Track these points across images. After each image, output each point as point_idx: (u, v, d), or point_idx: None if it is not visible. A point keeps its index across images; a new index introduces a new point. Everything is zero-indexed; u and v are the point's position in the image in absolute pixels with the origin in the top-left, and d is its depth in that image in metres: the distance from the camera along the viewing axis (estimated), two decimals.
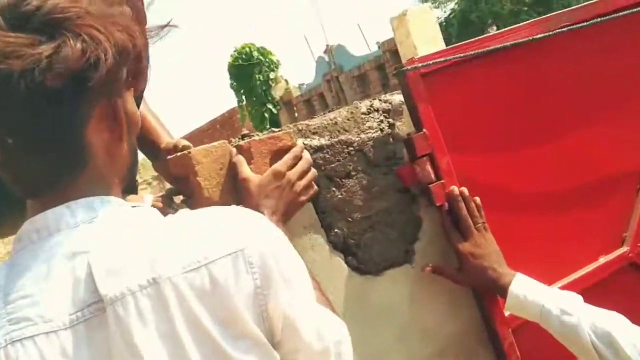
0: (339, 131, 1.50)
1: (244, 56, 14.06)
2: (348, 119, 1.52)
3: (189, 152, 1.33)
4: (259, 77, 13.96)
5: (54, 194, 0.86)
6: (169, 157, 1.42)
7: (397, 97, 1.59)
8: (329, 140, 1.48)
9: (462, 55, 1.55)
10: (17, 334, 0.76)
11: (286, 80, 14.06)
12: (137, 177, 1.58)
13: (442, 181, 1.51)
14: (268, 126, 13.67)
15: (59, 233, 0.84)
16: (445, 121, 1.54)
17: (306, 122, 1.49)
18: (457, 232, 1.51)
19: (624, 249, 1.72)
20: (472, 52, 1.56)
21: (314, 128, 1.48)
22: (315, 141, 1.47)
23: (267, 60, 14.13)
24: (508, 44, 1.59)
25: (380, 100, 1.60)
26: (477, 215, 1.51)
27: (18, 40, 0.75)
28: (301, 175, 1.35)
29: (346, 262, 1.47)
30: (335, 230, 1.46)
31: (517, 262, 1.51)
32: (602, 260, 1.70)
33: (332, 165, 1.47)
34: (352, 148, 1.50)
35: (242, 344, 0.83)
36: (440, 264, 1.53)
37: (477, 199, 1.52)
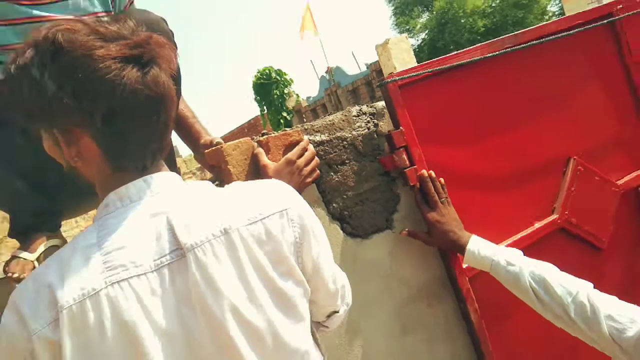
0: (335, 130, 1.50)
1: (264, 76, 14.05)
2: (342, 120, 1.52)
3: (221, 147, 1.33)
4: (276, 92, 13.95)
5: (143, 171, 0.87)
6: (206, 150, 1.42)
7: (381, 104, 1.58)
8: (328, 136, 1.48)
9: (430, 70, 1.54)
10: (115, 277, 0.75)
11: (297, 94, 14.04)
12: (184, 168, 1.58)
13: (414, 167, 1.50)
14: (284, 129, 13.66)
15: (140, 201, 0.83)
16: (418, 121, 1.53)
17: (310, 123, 1.49)
18: (426, 205, 1.50)
19: (554, 216, 1.71)
20: (438, 68, 1.55)
21: (317, 127, 1.48)
22: (318, 137, 1.46)
23: (282, 79, 14.11)
24: (465, 61, 1.58)
25: (367, 105, 1.59)
26: (442, 192, 1.51)
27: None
28: (307, 163, 1.35)
29: (342, 229, 1.46)
30: (333, 204, 1.46)
31: (472, 227, 1.50)
32: (537, 225, 1.69)
33: (331, 156, 1.47)
34: (346, 142, 1.49)
35: (290, 280, 0.85)
36: (413, 230, 1.53)
37: (442, 179, 1.52)
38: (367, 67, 9.77)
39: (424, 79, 1.56)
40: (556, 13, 25.11)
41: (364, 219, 1.49)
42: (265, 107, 14.16)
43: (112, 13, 1.47)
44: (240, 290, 0.79)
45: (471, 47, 1.63)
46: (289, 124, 13.75)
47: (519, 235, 1.65)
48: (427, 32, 23.85)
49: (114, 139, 0.82)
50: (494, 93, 1.68)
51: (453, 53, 1.61)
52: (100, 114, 0.78)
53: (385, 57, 8.98)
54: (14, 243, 1.47)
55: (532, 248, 1.62)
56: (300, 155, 1.34)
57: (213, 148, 1.38)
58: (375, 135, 1.54)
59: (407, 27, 24.41)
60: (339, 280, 1.03)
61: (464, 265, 1.54)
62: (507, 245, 1.58)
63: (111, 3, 1.45)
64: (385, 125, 1.56)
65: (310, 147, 1.37)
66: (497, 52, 1.63)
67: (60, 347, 0.72)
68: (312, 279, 0.92)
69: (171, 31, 1.42)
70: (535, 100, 1.74)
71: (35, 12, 1.32)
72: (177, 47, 1.44)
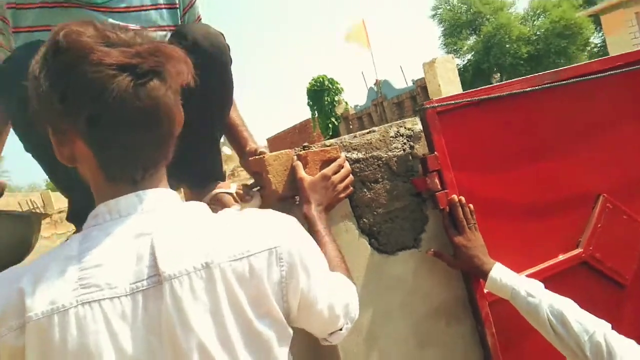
0: (372, 149, 1.44)
1: (318, 83, 14.08)
2: (380, 140, 1.46)
3: (264, 157, 1.30)
4: (327, 99, 13.94)
5: (135, 184, 0.78)
6: (250, 158, 1.39)
7: (417, 127, 1.51)
8: (364, 154, 1.42)
9: (469, 99, 1.46)
10: (87, 297, 0.69)
11: (346, 102, 14.00)
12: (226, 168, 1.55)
13: (446, 191, 1.43)
14: (331, 133, 13.72)
15: (129, 216, 0.76)
16: (452, 147, 1.46)
17: (349, 140, 1.44)
18: (454, 228, 1.43)
19: (579, 250, 1.61)
20: (477, 98, 1.47)
21: (354, 145, 1.43)
22: (354, 155, 1.41)
23: (334, 87, 14.10)
24: (504, 93, 1.50)
25: (405, 127, 1.52)
26: (470, 217, 1.43)
27: None
28: (342, 179, 1.30)
29: (370, 244, 1.41)
30: (364, 219, 1.40)
31: (496, 253, 1.42)
32: (561, 257, 1.59)
33: (365, 173, 1.41)
34: (381, 162, 1.44)
35: (267, 320, 0.77)
36: (439, 251, 1.45)
37: (471, 206, 1.44)
38: (413, 83, 9.63)
39: (462, 107, 1.48)
40: (598, 45, 24.21)
41: (392, 236, 1.43)
42: (316, 112, 14.20)
43: (178, 4, 1.45)
44: (212, 328, 0.71)
45: (511, 81, 1.54)
46: (336, 129, 13.75)
47: (541, 266, 1.55)
48: (472, 53, 23.44)
49: (101, 146, 0.75)
50: (529, 125, 1.59)
51: (493, 85, 1.53)
52: (84, 118, 0.71)
53: (431, 74, 8.82)
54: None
55: (554, 280, 1.52)
56: (336, 172, 1.29)
57: (256, 157, 1.35)
58: (410, 157, 1.48)
59: (455, 48, 24.05)
60: (338, 305, 0.93)
61: (485, 291, 1.45)
62: (529, 275, 1.50)
63: (180, 19, 1.44)
64: (421, 148, 1.50)
65: (346, 165, 1.32)
66: (536, 87, 1.54)
67: (22, 354, 0.67)
68: (302, 313, 0.84)
69: (228, 45, 1.40)
70: (571, 136, 1.63)
71: (110, 20, 1.32)
72: (231, 61, 1.42)
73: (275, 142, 18.67)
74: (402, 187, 1.46)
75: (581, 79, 1.59)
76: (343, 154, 1.34)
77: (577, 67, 1.63)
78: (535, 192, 1.59)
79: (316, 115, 14.56)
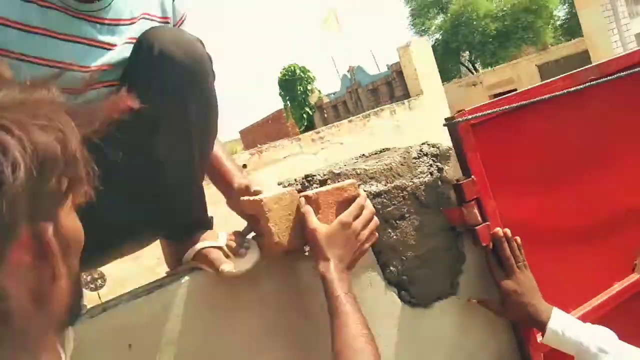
0: (394, 176, 1.15)
1: (289, 73, 13.67)
2: (402, 164, 1.17)
3: (262, 200, 0.99)
4: (300, 88, 13.54)
5: None
6: (242, 198, 1.08)
7: (445, 144, 1.23)
8: (385, 185, 1.13)
9: (508, 107, 1.18)
10: None
11: (319, 91, 13.62)
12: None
13: (487, 223, 1.16)
14: (306, 124, 13.35)
15: None
16: (490, 168, 1.18)
17: (364, 166, 1.14)
18: (501, 270, 1.15)
19: (636, 276, 1.36)
20: (517, 105, 1.19)
21: (372, 173, 1.13)
22: (374, 187, 1.12)
23: (306, 76, 13.71)
24: (546, 96, 1.22)
25: (428, 145, 1.24)
26: (519, 254, 1.16)
27: None
28: (365, 224, 1.00)
29: (399, 297, 1.12)
30: (391, 268, 1.12)
31: (543, 289, 1.15)
32: (617, 286, 1.34)
33: (389, 209, 1.12)
34: (406, 192, 1.15)
35: None
36: (484, 297, 1.18)
37: (518, 238, 1.17)
38: (388, 68, 9.34)
39: (498, 117, 1.20)
40: (562, 18, 24.25)
41: (425, 284, 1.15)
42: (289, 102, 13.79)
43: (170, 19, 1.14)
44: None
45: (551, 80, 1.26)
46: (311, 119, 13.38)
47: (597, 301, 1.30)
48: (441, 33, 23.22)
49: None
50: (574, 135, 1.32)
51: (528, 87, 1.25)
52: None
53: (406, 58, 8.53)
54: None
55: (612, 315, 1.27)
56: (357, 216, 0.99)
57: (251, 198, 1.04)
58: (439, 183, 1.19)
59: (423, 28, 23.80)
60: None
61: (539, 340, 1.19)
62: (585, 314, 1.24)
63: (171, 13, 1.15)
64: (452, 170, 1.21)
65: (368, 204, 1.03)
66: (580, 86, 1.27)
67: None
68: None
69: (208, 55, 1.08)
70: (624, 147, 1.37)
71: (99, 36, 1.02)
72: (214, 75, 1.11)
73: (249, 134, 18.16)
74: (432, 222, 1.17)
75: (631, 71, 1.32)
76: (362, 191, 1.04)
77: (624, 57, 1.36)
78: (582, 211, 1.33)
79: (289, 106, 14.17)
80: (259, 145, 6.36)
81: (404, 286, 1.13)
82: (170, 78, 1.02)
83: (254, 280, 1.01)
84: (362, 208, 1.00)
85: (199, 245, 1.11)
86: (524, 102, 1.19)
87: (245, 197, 1.07)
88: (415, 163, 1.19)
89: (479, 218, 1.15)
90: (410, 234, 1.14)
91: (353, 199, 1.02)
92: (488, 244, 1.16)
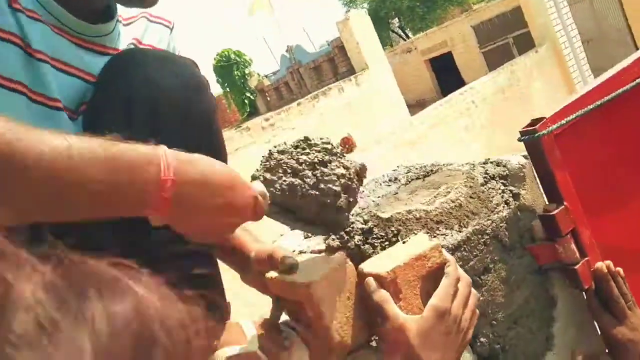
0: (467, 216, 0.86)
1: (224, 58, 13.00)
2: (471, 197, 0.88)
3: (308, 285, 0.68)
4: (237, 73, 12.92)
5: None
6: (268, 276, 0.76)
7: (514, 161, 0.95)
8: (459, 230, 0.84)
9: (593, 106, 0.91)
10: None
11: (258, 74, 13.07)
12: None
13: (587, 258, 0.89)
14: (249, 109, 12.81)
15: None
16: (580, 189, 0.91)
17: (423, 208, 0.85)
18: (609, 314, 0.90)
19: None
20: (601, 101, 0.92)
21: (435, 215, 0.84)
22: (449, 237, 0.82)
23: (242, 59, 13.08)
24: (629, 86, 0.96)
25: (492, 163, 0.96)
26: (626, 291, 0.91)
27: None
28: (465, 304, 0.71)
29: None
30: (481, 339, 0.84)
31: None
32: None
33: (471, 263, 0.84)
34: (487, 236, 0.86)
35: None
36: (590, 353, 0.93)
37: (621, 270, 0.91)
38: (329, 44, 8.99)
39: (577, 122, 0.93)
40: None
41: (519, 348, 0.88)
42: (227, 89, 13.18)
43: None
44: None
45: (626, 65, 1.01)
46: (253, 103, 12.85)
47: None
48: (369, 2, 23.00)
49: None
50: None
51: (599, 80, 0.99)
52: None
53: (347, 33, 8.24)
54: None
55: None
56: (454, 295, 0.70)
57: (288, 280, 0.73)
58: (518, 214, 0.91)
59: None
60: None
61: None
62: None
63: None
64: (528, 194, 0.94)
65: (462, 275, 0.73)
66: None
67: None
68: None
69: (207, 81, 0.78)
70: None
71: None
72: (215, 107, 0.81)
73: None
74: (519, 267, 0.90)
75: None
76: (449, 255, 0.74)
77: None
78: None
79: (228, 92, 13.55)
80: None
81: (497, 357, 0.85)
82: (166, 116, 0.76)
83: None
84: (457, 280, 0.71)
85: (220, 354, 0.79)
86: (613, 93, 0.92)
87: (274, 275, 0.76)
88: (485, 192, 0.90)
89: (577, 255, 0.88)
90: (498, 288, 0.86)
91: (438, 268, 0.72)
92: (590, 285, 0.90)
